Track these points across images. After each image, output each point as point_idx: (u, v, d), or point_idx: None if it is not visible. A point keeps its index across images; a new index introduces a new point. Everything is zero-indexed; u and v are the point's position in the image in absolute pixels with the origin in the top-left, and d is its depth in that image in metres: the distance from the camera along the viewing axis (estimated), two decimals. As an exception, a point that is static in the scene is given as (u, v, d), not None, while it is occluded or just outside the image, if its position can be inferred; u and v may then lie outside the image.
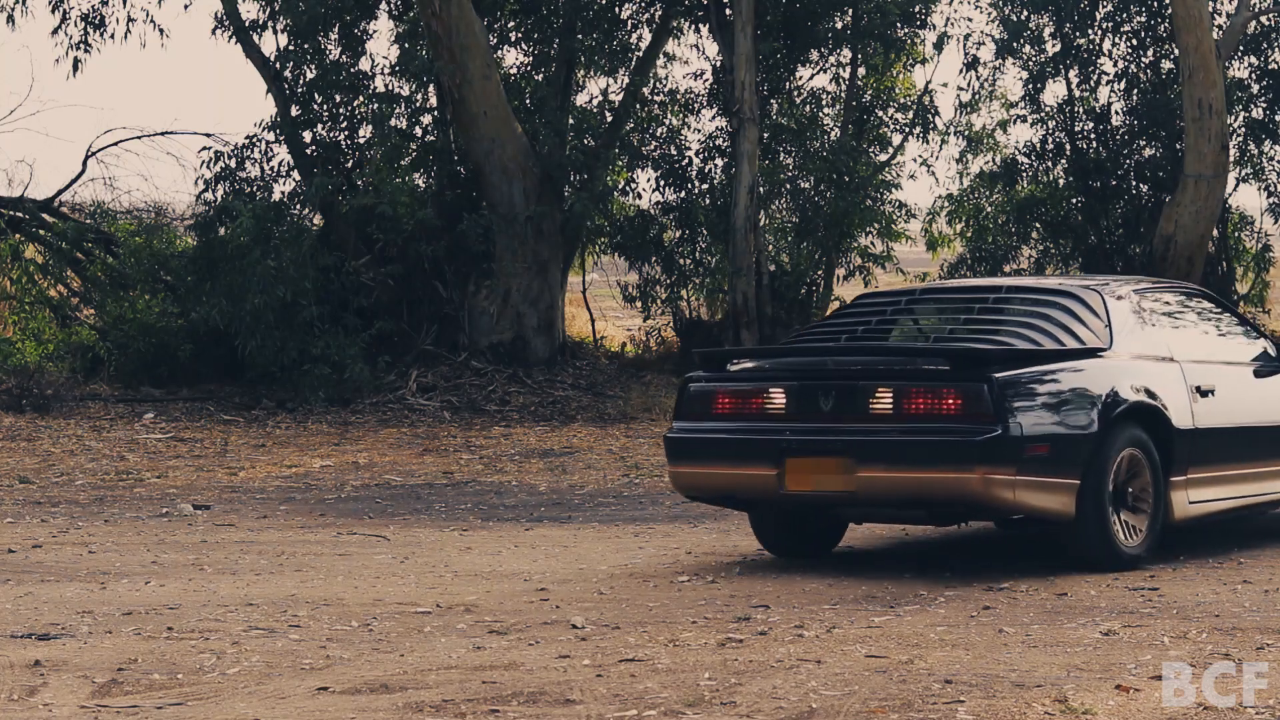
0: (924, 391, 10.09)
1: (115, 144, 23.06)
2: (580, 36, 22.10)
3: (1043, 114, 22.34)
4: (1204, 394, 10.94)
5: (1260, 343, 11.73)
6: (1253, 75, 22.06)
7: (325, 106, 21.65)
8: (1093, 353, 10.51)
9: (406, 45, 21.43)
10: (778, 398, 10.45)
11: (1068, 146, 22.21)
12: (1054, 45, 22.20)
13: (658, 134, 23.14)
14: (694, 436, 10.65)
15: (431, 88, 21.62)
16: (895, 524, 12.08)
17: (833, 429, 10.28)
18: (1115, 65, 22.28)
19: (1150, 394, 10.56)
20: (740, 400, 10.57)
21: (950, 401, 10.02)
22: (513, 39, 22.65)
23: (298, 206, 21.35)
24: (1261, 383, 11.51)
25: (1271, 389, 11.54)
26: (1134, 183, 22.08)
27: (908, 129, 23.19)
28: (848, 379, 10.30)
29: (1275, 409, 11.51)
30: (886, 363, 10.41)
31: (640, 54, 22.96)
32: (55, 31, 21.99)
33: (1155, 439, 10.55)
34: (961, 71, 22.93)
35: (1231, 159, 21.16)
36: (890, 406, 10.13)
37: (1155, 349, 10.89)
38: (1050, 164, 22.54)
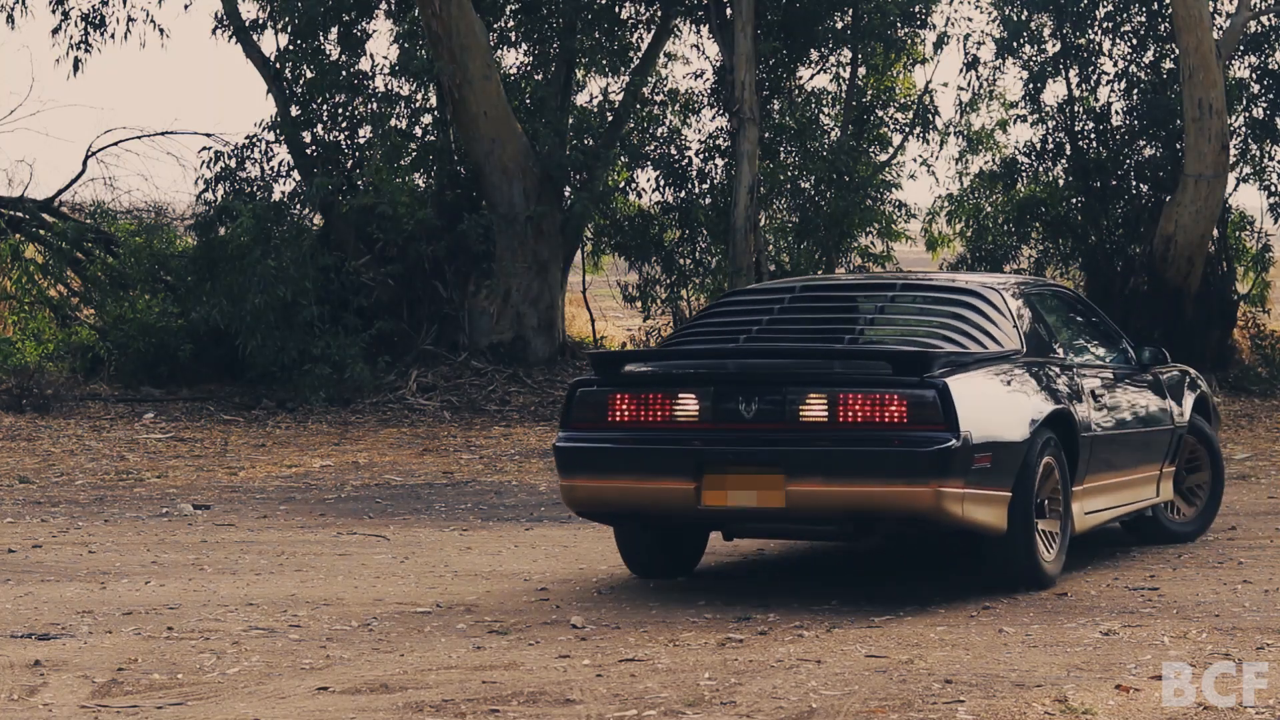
0: (864, 397, 9.23)
1: (115, 144, 23.08)
2: (580, 36, 22.11)
3: (1043, 114, 22.34)
4: (1096, 398, 10.49)
5: (1122, 344, 11.32)
6: (1253, 75, 22.06)
7: (325, 106, 21.66)
8: (1009, 356, 9.91)
9: (406, 45, 21.43)
10: (690, 404, 9.48)
11: (1068, 146, 22.21)
12: (1054, 45, 22.20)
13: (658, 134, 23.14)
14: (593, 447, 9.66)
15: (431, 88, 21.62)
16: (798, 540, 11.25)
17: (758, 439, 9.37)
18: (1115, 65, 22.27)
19: (1061, 399, 10.02)
20: (643, 407, 9.57)
21: (895, 408, 9.18)
22: (513, 39, 22.65)
23: (298, 206, 21.35)
24: (1130, 387, 11.09)
25: (1137, 392, 11.12)
26: (1134, 183, 22.07)
27: (908, 129, 23.19)
28: (774, 383, 9.40)
29: (1143, 413, 11.09)
30: (816, 365, 9.55)
31: (640, 54, 22.97)
32: (55, 31, 22.00)
33: (1066, 447, 10.02)
34: (961, 71, 22.95)
35: (1232, 159, 21.16)
36: (824, 414, 9.26)
37: (1053, 351, 10.40)
38: (1050, 164, 22.54)
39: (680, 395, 9.52)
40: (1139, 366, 11.26)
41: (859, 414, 9.22)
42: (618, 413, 9.62)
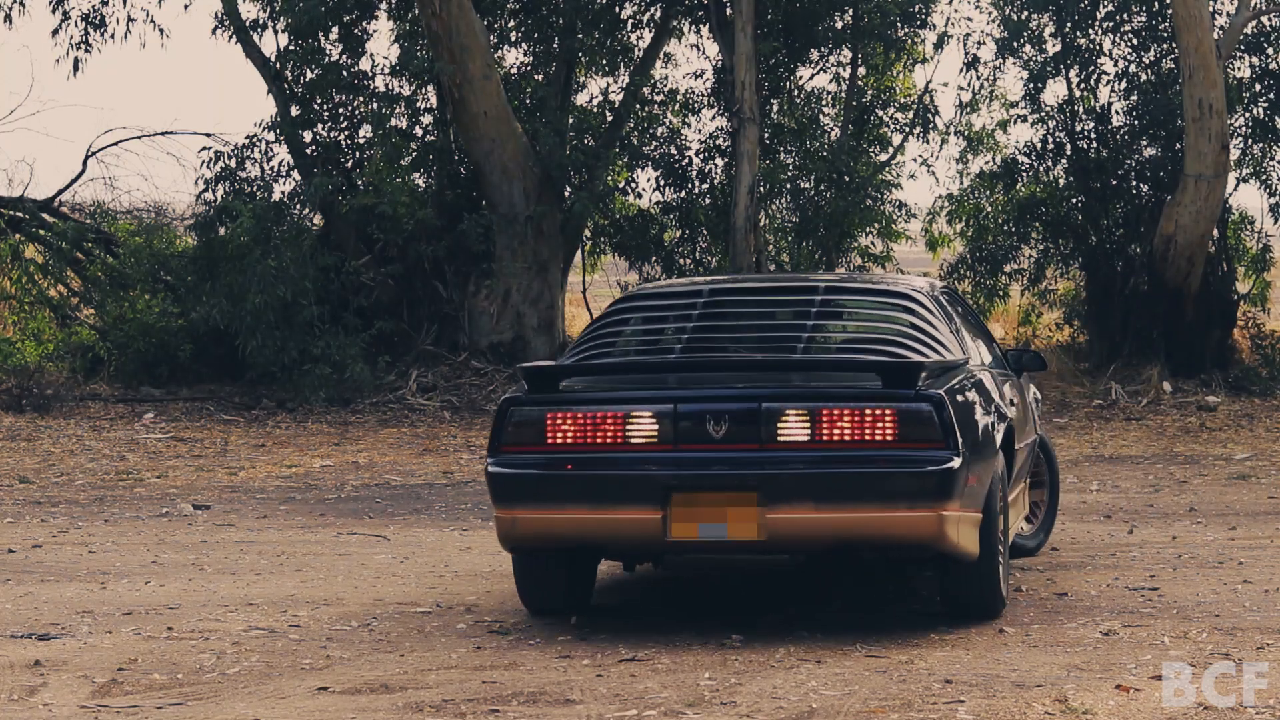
0: (852, 413, 8.30)
1: (115, 144, 23.07)
2: (580, 36, 22.11)
3: (1043, 114, 22.33)
4: (1012, 407, 9.77)
5: (995, 347, 10.57)
6: (1253, 75, 22.06)
7: (325, 106, 21.65)
8: (961, 365, 9.16)
9: (406, 45, 21.43)
10: (647, 423, 8.44)
11: (1068, 146, 22.20)
12: (1054, 45, 22.20)
13: (658, 134, 23.13)
14: (537, 474, 8.54)
15: (431, 88, 21.62)
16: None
17: (732, 461, 8.39)
18: (1116, 65, 22.26)
19: (1005, 410, 9.42)
20: (591, 427, 8.48)
21: (888, 425, 8.30)
22: (513, 39, 22.64)
23: (298, 206, 21.35)
24: (1019, 394, 10.31)
25: (1022, 400, 10.39)
26: (1134, 183, 22.06)
27: (908, 129, 23.19)
28: (746, 399, 8.43)
29: (1026, 418, 10.46)
30: (793, 377, 8.74)
31: (640, 54, 22.96)
32: (55, 32, 21.99)
33: (1007, 459, 9.39)
34: (961, 71, 22.93)
35: (1232, 159, 21.16)
36: (805, 432, 8.33)
37: (979, 357, 9.80)
38: (1050, 164, 22.53)
39: (635, 413, 8.47)
40: (1015, 371, 10.64)
41: (846, 431, 8.32)
42: (560, 434, 8.52)
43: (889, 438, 8.32)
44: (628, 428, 8.49)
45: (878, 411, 8.33)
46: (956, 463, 8.29)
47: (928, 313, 9.27)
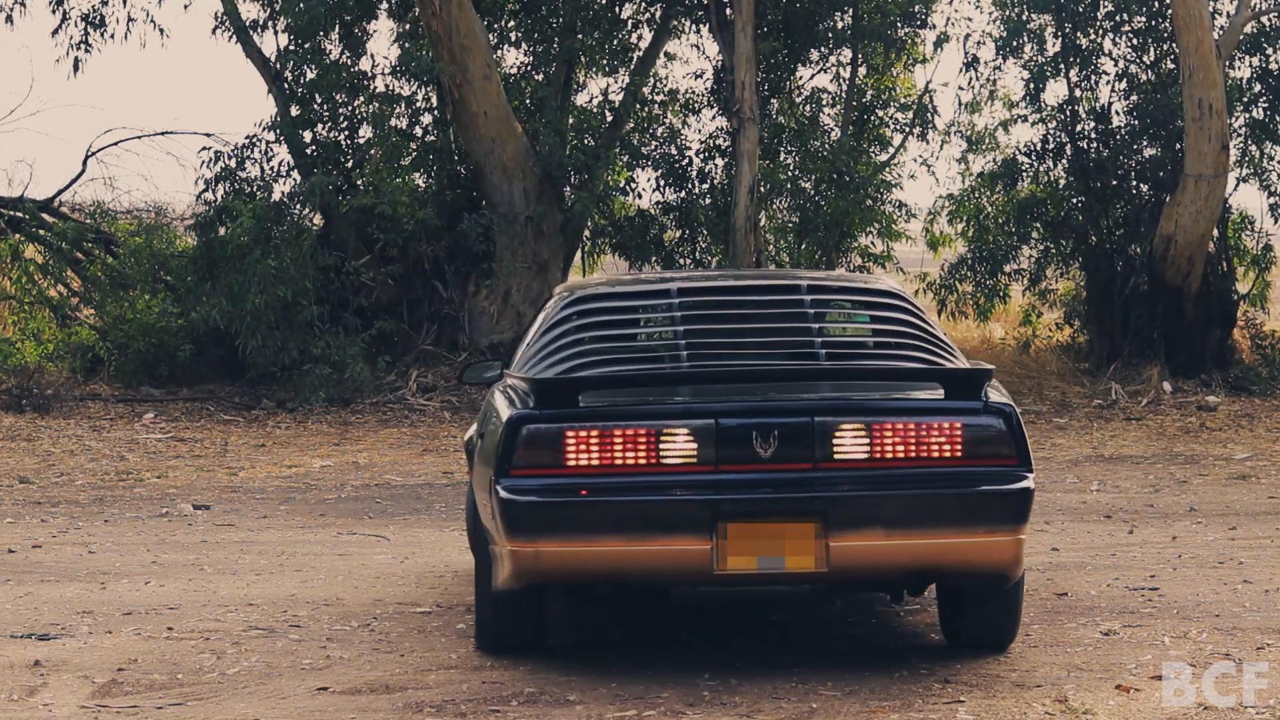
0: (916, 427, 7.57)
1: (115, 144, 23.05)
2: (580, 36, 22.11)
3: (1043, 114, 22.34)
4: None
5: None
6: (1253, 75, 22.06)
7: (325, 106, 21.65)
8: (991, 371, 8.21)
9: (406, 45, 21.43)
10: (684, 440, 7.55)
11: (1068, 146, 22.21)
12: (1054, 45, 22.20)
13: (658, 134, 23.14)
14: (565, 501, 7.55)
15: (431, 88, 21.62)
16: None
17: (784, 483, 7.56)
18: (1116, 65, 22.26)
19: None
20: (621, 446, 7.58)
21: (956, 440, 7.57)
22: (513, 39, 22.64)
23: (298, 206, 21.34)
24: None
25: None
26: (1134, 183, 22.06)
27: (908, 129, 23.19)
28: (797, 413, 7.60)
29: None
30: (846, 387, 7.90)
31: (640, 54, 22.96)
32: (55, 32, 21.98)
33: None
34: (961, 71, 22.92)
35: (1232, 159, 21.15)
36: (864, 449, 7.55)
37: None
38: (1051, 164, 22.53)
39: (670, 430, 7.58)
40: None
41: (910, 447, 7.56)
42: (582, 455, 7.59)
43: (957, 454, 7.58)
44: (662, 447, 7.57)
45: (944, 425, 7.59)
46: (1031, 481, 7.62)
47: (918, 314, 8.50)
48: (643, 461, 7.56)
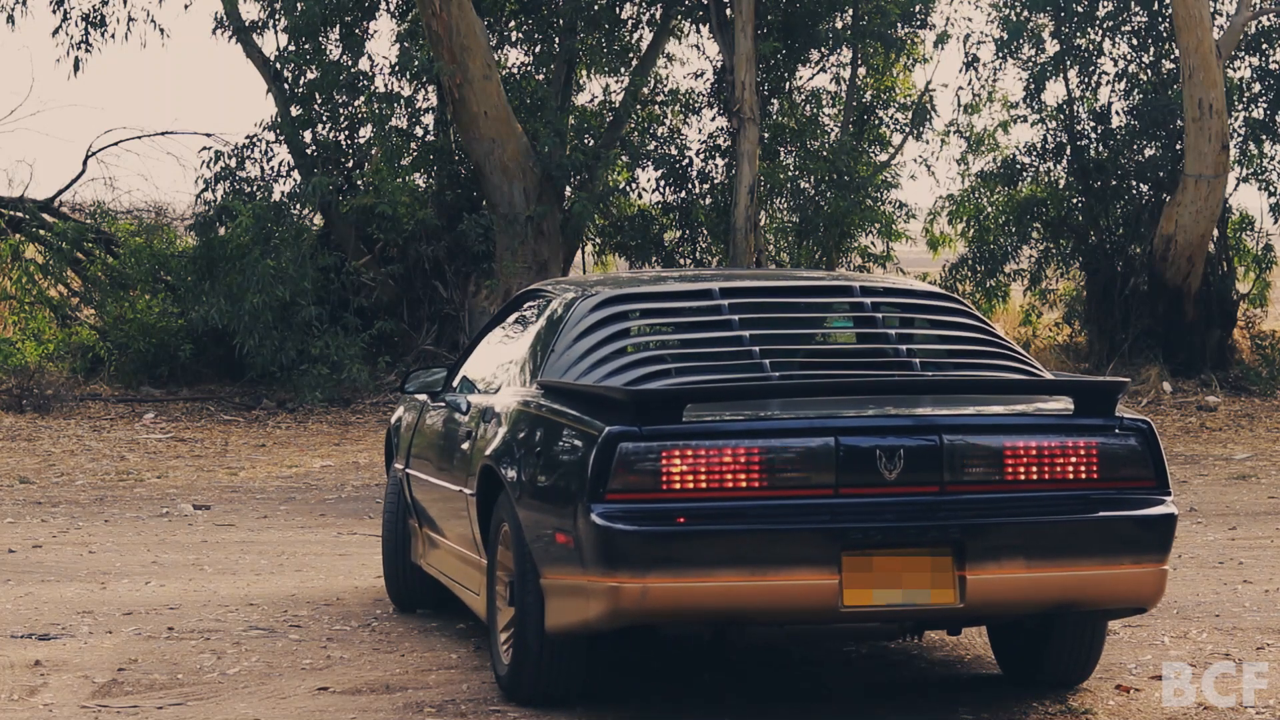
0: (1051, 447, 6.82)
1: (115, 144, 23.06)
2: (581, 36, 22.11)
3: (1043, 114, 22.34)
4: None
5: None
6: (1253, 75, 22.07)
7: (325, 106, 21.65)
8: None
9: (406, 45, 21.43)
10: (799, 460, 6.73)
11: (1068, 146, 22.21)
12: (1054, 45, 22.20)
13: (658, 134, 23.14)
14: (669, 530, 6.65)
15: (431, 88, 21.62)
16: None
17: (912, 508, 6.75)
18: (1115, 65, 22.28)
19: None
20: (727, 466, 6.70)
21: (1093, 460, 6.85)
22: (513, 39, 22.65)
23: (298, 206, 21.35)
24: None
25: None
26: (1134, 183, 22.07)
27: (908, 129, 23.20)
28: (923, 430, 6.79)
29: None
30: (973, 401, 7.06)
31: (641, 54, 22.97)
32: (55, 32, 21.98)
33: None
34: (961, 71, 22.93)
35: (1232, 159, 21.16)
36: (994, 470, 6.79)
37: None
38: (1051, 164, 22.54)
39: (784, 449, 6.72)
40: None
41: (1043, 469, 6.82)
42: (687, 478, 6.70)
43: (1093, 475, 6.86)
44: (775, 468, 6.71)
45: (1079, 444, 6.85)
46: (1173, 505, 6.96)
47: (985, 320, 7.80)
48: (755, 485, 6.70)
